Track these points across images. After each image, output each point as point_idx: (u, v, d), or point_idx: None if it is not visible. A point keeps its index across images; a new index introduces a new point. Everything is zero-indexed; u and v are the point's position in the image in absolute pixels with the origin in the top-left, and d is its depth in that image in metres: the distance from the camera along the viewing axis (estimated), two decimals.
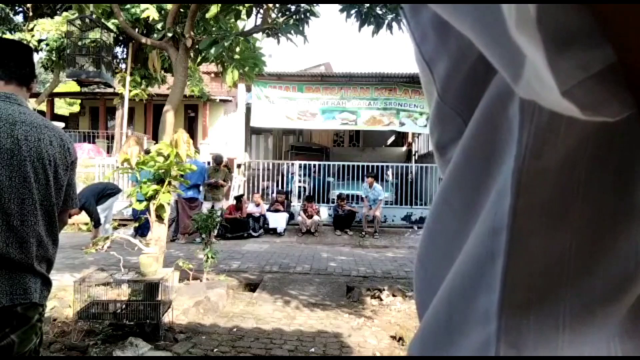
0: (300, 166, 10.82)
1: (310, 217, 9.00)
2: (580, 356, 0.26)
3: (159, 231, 4.30)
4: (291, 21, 5.36)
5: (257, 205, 9.03)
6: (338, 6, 5.13)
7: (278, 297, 4.69)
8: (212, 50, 4.74)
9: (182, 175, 4.37)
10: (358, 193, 9.67)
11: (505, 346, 0.27)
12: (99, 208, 6.84)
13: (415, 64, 0.38)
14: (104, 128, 14.38)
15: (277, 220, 8.98)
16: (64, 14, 10.56)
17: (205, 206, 7.97)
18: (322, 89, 10.81)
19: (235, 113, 12.17)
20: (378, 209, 9.01)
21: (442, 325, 0.32)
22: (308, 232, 8.95)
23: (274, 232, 8.93)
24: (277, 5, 5.40)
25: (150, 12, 7.61)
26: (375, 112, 10.77)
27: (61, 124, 10.36)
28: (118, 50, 11.32)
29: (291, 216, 9.47)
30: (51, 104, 15.14)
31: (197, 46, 4.93)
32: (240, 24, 5.43)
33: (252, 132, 13.33)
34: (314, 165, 10.80)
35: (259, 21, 5.32)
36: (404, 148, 15.68)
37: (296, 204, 9.97)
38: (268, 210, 9.14)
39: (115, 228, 6.20)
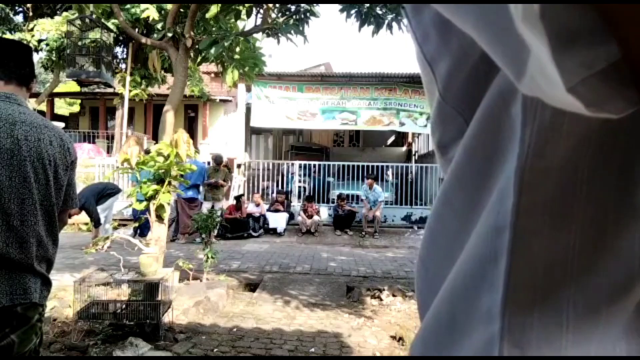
0: (300, 166, 10.82)
1: (310, 217, 9.00)
2: (584, 356, 0.26)
3: (159, 231, 4.30)
4: (291, 21, 5.36)
5: (257, 205, 9.03)
6: (338, 6, 5.13)
7: (278, 297, 4.69)
8: (212, 50, 4.74)
9: (182, 175, 4.37)
10: (358, 193, 9.66)
11: (509, 346, 0.27)
12: (99, 208, 6.84)
13: (417, 63, 0.38)
14: (104, 128, 14.38)
15: (277, 220, 8.98)
16: (64, 14, 10.57)
17: (205, 206, 7.97)
18: (322, 89, 10.81)
19: (235, 113, 12.17)
20: (378, 209, 9.01)
21: (444, 325, 0.32)
22: (308, 232, 8.95)
23: (274, 232, 8.93)
24: (277, 5, 5.40)
25: (150, 12, 7.61)
26: (375, 112, 10.78)
27: (61, 124, 10.37)
28: (118, 50, 11.32)
29: (291, 216, 9.47)
30: (51, 104, 15.15)
31: (197, 46, 4.93)
32: (240, 24, 5.43)
33: (252, 132, 13.33)
34: (314, 165, 10.80)
35: (259, 21, 5.32)
36: (404, 148, 15.68)
37: (296, 204, 9.97)
38: (268, 210, 9.14)
39: (115, 228, 6.19)
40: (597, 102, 0.19)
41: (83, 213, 6.75)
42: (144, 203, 4.23)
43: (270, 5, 5.24)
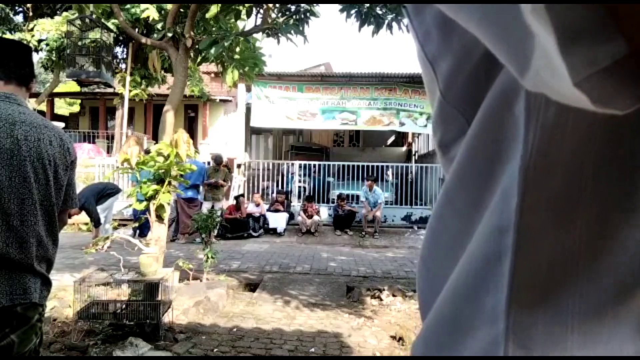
0: (300, 166, 10.82)
1: (310, 217, 9.00)
2: (589, 356, 0.26)
3: (159, 231, 4.30)
4: (291, 21, 5.36)
5: (257, 205, 9.03)
6: (338, 6, 5.13)
7: (278, 297, 4.69)
8: (212, 50, 4.74)
9: (181, 175, 4.37)
10: (358, 193, 9.66)
11: (514, 346, 0.27)
12: (99, 208, 6.84)
13: (417, 63, 0.38)
14: (104, 128, 14.38)
15: (277, 220, 8.98)
16: (64, 14, 10.56)
17: (205, 206, 7.96)
18: (322, 89, 10.81)
19: (235, 113, 12.16)
20: (378, 210, 9.01)
21: (447, 324, 0.32)
22: (308, 232, 8.95)
23: (274, 232, 8.93)
24: (277, 5, 5.40)
25: (150, 12, 7.61)
26: (375, 112, 10.77)
27: (61, 124, 10.36)
28: (118, 50, 11.32)
29: (291, 216, 9.47)
30: (51, 104, 15.15)
31: (197, 46, 4.93)
32: (240, 24, 5.43)
33: (252, 132, 13.33)
34: (314, 165, 10.79)
35: (259, 21, 5.32)
36: (404, 148, 15.69)
37: (296, 204, 9.97)
38: (268, 210, 9.14)
39: (115, 228, 6.20)
40: (603, 99, 0.19)
41: (83, 213, 6.75)
42: (144, 203, 4.23)
43: (270, 5, 5.24)
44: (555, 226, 0.26)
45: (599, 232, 0.25)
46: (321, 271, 5.87)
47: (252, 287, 5.16)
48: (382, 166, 10.58)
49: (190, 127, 14.10)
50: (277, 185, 10.73)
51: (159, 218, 4.28)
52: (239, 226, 8.41)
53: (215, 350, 3.30)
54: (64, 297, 4.01)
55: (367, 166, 10.32)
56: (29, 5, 11.78)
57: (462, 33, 0.31)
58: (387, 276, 5.61)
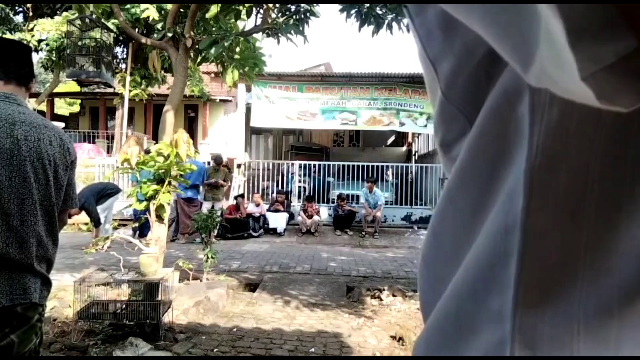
0: (300, 166, 10.82)
1: (310, 217, 9.00)
2: (592, 356, 0.26)
3: (159, 231, 4.30)
4: (291, 21, 5.36)
5: (257, 205, 9.03)
6: (338, 6, 5.13)
7: (278, 297, 4.69)
8: (212, 50, 4.74)
9: (181, 175, 4.37)
10: (358, 193, 9.66)
11: (520, 346, 0.27)
12: (99, 208, 6.84)
13: (418, 62, 0.38)
14: (104, 128, 14.38)
15: (277, 220, 8.98)
16: (64, 14, 10.57)
17: (205, 206, 7.96)
18: (322, 89, 10.81)
19: (235, 113, 12.17)
20: (379, 211, 9.02)
21: (450, 324, 0.32)
22: (308, 232, 8.95)
23: (274, 232, 8.93)
24: (277, 5, 5.40)
25: (150, 12, 7.61)
26: (375, 112, 10.77)
27: (61, 124, 10.36)
28: (118, 50, 11.32)
29: (291, 216, 9.47)
30: (51, 104, 15.15)
31: (197, 46, 4.93)
32: (240, 24, 5.43)
33: (252, 132, 13.33)
34: (314, 165, 10.79)
35: (259, 21, 5.32)
36: (404, 148, 15.69)
37: (296, 204, 9.97)
38: (268, 210, 9.14)
39: (115, 228, 6.20)
40: (608, 95, 0.19)
41: (83, 213, 6.76)
42: (144, 203, 4.23)
43: (270, 5, 5.24)
44: (561, 226, 0.26)
45: (605, 233, 0.25)
46: (321, 271, 5.87)
47: (252, 287, 5.16)
48: (382, 166, 10.59)
49: (190, 127, 14.10)
50: (277, 185, 10.73)
51: (159, 218, 4.28)
52: (239, 226, 8.42)
53: (215, 350, 3.30)
54: (64, 297, 4.01)
55: (367, 166, 10.32)
56: (29, 5, 11.78)
57: (464, 33, 0.30)
58: (387, 276, 5.61)
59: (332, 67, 15.87)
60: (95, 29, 9.05)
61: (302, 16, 5.40)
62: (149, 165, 4.09)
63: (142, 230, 6.62)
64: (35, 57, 11.56)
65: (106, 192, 7.01)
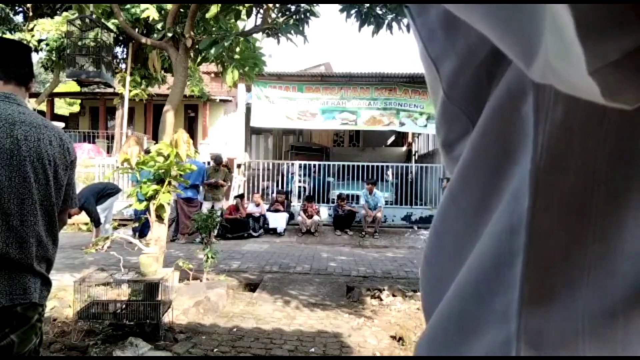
0: (300, 166, 10.82)
1: (310, 217, 9.00)
2: (597, 356, 0.26)
3: (159, 231, 4.30)
4: (291, 21, 5.36)
5: (257, 205, 9.03)
6: (338, 6, 5.13)
7: (278, 297, 4.69)
8: (212, 50, 4.74)
9: (181, 175, 4.37)
10: (358, 193, 9.67)
11: (525, 347, 0.27)
12: (99, 208, 6.84)
13: (419, 62, 0.38)
14: (104, 128, 14.38)
15: (277, 220, 8.98)
16: (64, 14, 10.56)
17: (205, 206, 7.96)
18: (322, 89, 10.81)
19: (235, 113, 12.17)
20: (379, 211, 9.02)
21: (453, 324, 0.32)
22: (308, 232, 8.95)
23: (274, 232, 8.93)
24: (277, 5, 5.40)
25: (150, 12, 7.61)
26: (375, 112, 10.77)
27: (61, 124, 10.36)
28: (118, 50, 11.32)
29: (291, 216, 9.47)
30: (51, 104, 15.15)
31: (197, 46, 4.93)
32: (240, 24, 5.43)
33: (252, 132, 13.33)
34: (314, 165, 10.80)
35: (259, 21, 5.32)
36: (404, 148, 15.69)
37: (296, 204, 9.97)
38: (268, 210, 9.14)
39: (115, 228, 6.19)
40: (613, 91, 0.19)
41: (83, 213, 6.76)
42: (144, 203, 4.23)
43: (270, 5, 5.23)
44: (567, 226, 0.26)
45: (611, 233, 0.25)
46: (321, 271, 5.87)
47: (252, 287, 5.16)
48: (382, 166, 10.59)
49: (190, 127, 14.10)
50: (277, 185, 10.74)
51: (159, 218, 4.28)
52: (239, 226, 8.41)
53: (215, 350, 3.29)
54: (64, 297, 4.01)
55: (367, 166, 10.32)
56: (29, 5, 11.78)
57: (467, 32, 0.30)
58: (387, 276, 5.61)
59: (332, 67, 15.88)
60: (95, 29, 9.05)
61: (302, 16, 5.40)
62: (149, 165, 4.09)
63: (142, 230, 6.62)
64: (35, 57, 11.57)
65: (106, 192, 7.01)
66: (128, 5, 9.08)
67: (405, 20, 5.01)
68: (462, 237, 0.33)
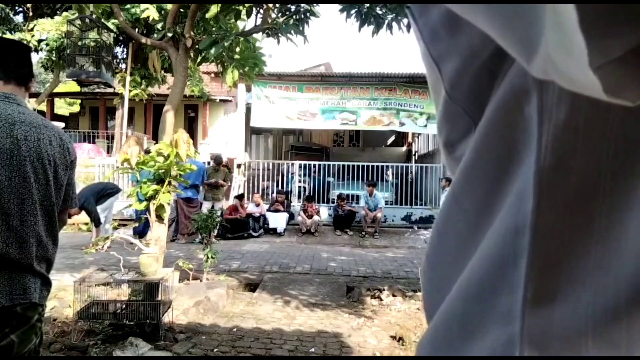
0: (300, 166, 10.82)
1: (310, 217, 9.00)
2: (601, 356, 0.26)
3: (159, 231, 4.30)
4: (291, 21, 5.36)
5: (257, 205, 9.03)
6: (338, 6, 5.13)
7: (278, 297, 4.69)
8: (212, 50, 4.74)
9: (181, 175, 4.37)
10: (358, 193, 9.67)
11: (529, 347, 0.27)
12: (99, 208, 6.84)
13: (420, 62, 0.38)
14: (104, 128, 14.38)
15: (277, 220, 8.98)
16: (64, 14, 10.57)
17: (205, 206, 7.96)
18: (322, 89, 10.81)
19: (235, 113, 12.17)
20: (379, 212, 9.03)
21: (456, 325, 0.32)
22: (308, 232, 8.95)
23: (274, 232, 8.93)
24: (277, 5, 5.40)
25: (150, 12, 7.61)
26: (375, 112, 10.78)
27: (61, 124, 10.36)
28: (118, 50, 11.32)
29: (291, 216, 9.47)
30: (51, 104, 15.15)
31: (197, 46, 4.93)
32: (240, 24, 5.43)
33: (252, 132, 13.33)
34: (314, 165, 10.80)
35: (259, 21, 5.32)
36: (404, 148, 15.70)
37: (296, 204, 9.97)
38: (268, 210, 9.14)
39: (115, 228, 6.20)
40: (616, 88, 0.19)
41: (83, 213, 6.76)
42: (144, 203, 4.23)
43: (270, 5, 5.23)
44: (572, 227, 0.26)
45: (616, 233, 0.25)
46: (321, 271, 5.87)
47: (252, 287, 5.15)
48: (382, 166, 10.59)
49: (190, 127, 14.10)
50: (277, 185, 10.74)
51: (159, 218, 4.28)
52: (239, 226, 8.41)
53: (215, 350, 3.29)
54: (64, 297, 4.01)
55: (367, 166, 10.32)
56: (29, 5, 11.79)
57: (469, 32, 0.30)
58: (387, 276, 5.61)
59: (332, 67, 15.88)
60: (95, 29, 9.05)
61: (302, 16, 5.40)
62: (149, 165, 4.09)
63: (143, 229, 6.62)
64: (35, 57, 11.58)
65: (106, 192, 7.01)
66: (128, 5, 9.08)
67: (405, 20, 5.01)
68: (465, 238, 0.33)
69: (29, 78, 1.53)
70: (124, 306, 3.46)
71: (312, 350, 3.39)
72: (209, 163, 9.06)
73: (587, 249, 0.26)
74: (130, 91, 11.16)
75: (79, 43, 9.04)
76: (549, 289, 0.26)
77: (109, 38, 9.34)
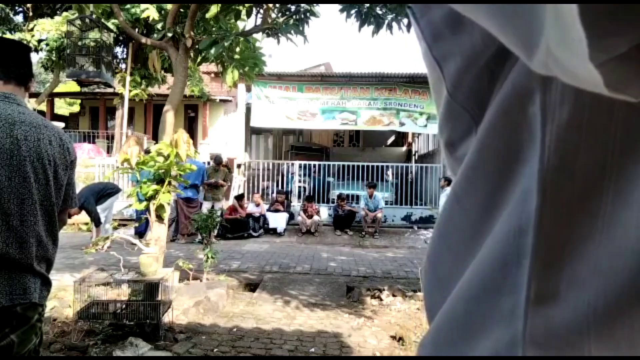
0: (300, 166, 10.82)
1: (310, 217, 9.00)
2: (602, 356, 0.26)
3: (159, 231, 4.30)
4: (291, 21, 5.36)
5: (257, 205, 9.03)
6: (338, 6, 5.13)
7: (278, 297, 4.69)
8: (212, 50, 4.74)
9: (181, 175, 4.37)
10: (358, 193, 9.67)
11: (532, 347, 0.27)
12: (99, 208, 6.84)
13: (419, 63, 0.38)
14: (104, 128, 14.38)
15: (277, 220, 8.98)
16: (64, 14, 10.57)
17: (205, 206, 7.96)
18: (322, 89, 10.81)
19: (235, 113, 12.17)
20: (379, 212, 9.03)
21: (459, 325, 0.32)
22: (308, 232, 8.95)
23: (274, 232, 8.93)
24: (277, 5, 5.40)
25: (150, 12, 7.61)
26: (375, 112, 10.78)
27: (61, 124, 10.36)
28: (118, 50, 11.32)
29: (291, 216, 9.47)
30: (51, 104, 15.15)
31: (197, 46, 4.92)
32: (240, 24, 5.43)
33: (252, 132, 13.33)
34: (314, 165, 10.80)
35: (259, 21, 5.32)
36: (404, 148, 15.70)
37: (296, 204, 9.97)
38: (268, 210, 9.14)
39: (115, 228, 6.19)
40: (617, 83, 0.19)
41: (83, 213, 6.76)
42: (144, 203, 4.23)
43: (270, 5, 5.23)
44: (575, 226, 0.26)
45: (619, 232, 0.25)
46: (321, 271, 5.87)
47: (252, 287, 5.15)
48: (382, 166, 10.59)
49: (190, 127, 14.10)
50: (277, 185, 10.74)
51: (159, 218, 4.28)
52: (239, 226, 8.41)
53: (215, 350, 3.29)
54: (64, 297, 4.01)
55: (367, 166, 10.32)
56: (29, 5, 11.78)
57: (472, 32, 0.30)
58: (387, 276, 5.61)
59: (332, 67, 15.88)
60: (95, 29, 9.05)
61: (302, 16, 5.40)
62: (149, 165, 4.09)
63: (142, 229, 6.62)
64: (35, 57, 11.57)
65: (106, 192, 7.01)
66: (128, 5, 9.08)
67: (405, 20, 5.01)
68: (466, 238, 0.33)
69: (29, 78, 1.53)
70: (124, 306, 3.46)
71: (312, 350, 3.39)
72: (209, 163, 9.06)
73: (591, 248, 0.25)
74: (130, 91, 11.16)
75: (79, 43, 9.04)
76: (551, 288, 0.26)
77: (109, 38, 9.34)
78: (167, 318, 3.61)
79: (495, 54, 0.30)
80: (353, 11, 5.09)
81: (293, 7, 5.43)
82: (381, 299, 4.73)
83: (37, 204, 1.41)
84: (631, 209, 0.25)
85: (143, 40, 5.34)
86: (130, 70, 11.01)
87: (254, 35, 5.41)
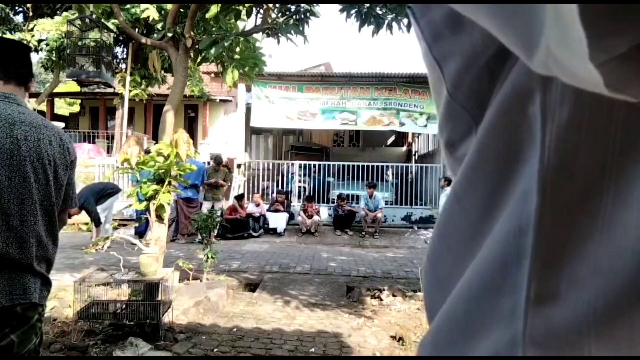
0: (300, 166, 10.82)
1: (310, 217, 9.00)
2: (603, 356, 0.26)
3: (159, 231, 4.30)
4: (291, 21, 5.36)
5: (257, 205, 9.03)
6: (338, 6, 5.13)
7: (278, 297, 4.69)
8: (212, 50, 4.74)
9: (181, 175, 4.37)
10: (358, 193, 9.67)
11: (533, 347, 0.27)
12: (99, 208, 6.84)
13: (420, 63, 0.38)
14: (104, 128, 14.38)
15: (277, 220, 8.98)
16: (64, 14, 10.57)
17: (205, 206, 7.96)
18: (322, 89, 10.81)
19: (235, 113, 12.17)
20: (379, 212, 9.03)
21: (459, 325, 0.32)
22: (308, 232, 8.95)
23: (274, 232, 8.93)
24: (277, 5, 5.40)
25: (150, 12, 7.61)
26: (375, 112, 10.78)
27: (61, 124, 10.36)
28: (118, 50, 11.32)
29: (291, 216, 9.47)
30: (51, 104, 15.15)
31: (197, 46, 4.92)
32: (240, 24, 5.43)
33: (252, 132, 13.33)
34: (314, 165, 10.80)
35: (259, 21, 5.32)
36: (404, 148, 15.70)
37: (296, 204, 9.97)
38: (268, 210, 9.14)
39: (115, 228, 6.19)
40: (617, 83, 0.19)
41: (83, 213, 6.76)
42: (144, 203, 4.23)
43: (270, 5, 5.23)
44: (575, 226, 0.26)
45: (618, 232, 0.25)
46: (321, 271, 5.87)
47: (252, 287, 5.15)
48: (382, 166, 10.59)
49: (190, 127, 14.10)
50: (277, 185, 10.74)
51: (159, 218, 4.28)
52: (239, 226, 8.41)
53: (215, 350, 3.29)
54: (64, 297, 4.01)
55: (367, 166, 10.32)
56: (29, 5, 11.78)
57: (471, 33, 0.30)
58: (387, 276, 5.61)
59: (332, 67, 15.88)
60: (95, 29, 9.05)
61: (302, 16, 5.40)
62: (149, 165, 4.09)
63: (145, 229, 6.62)
64: (35, 57, 11.57)
65: (106, 192, 7.01)
66: (128, 5, 9.08)
67: (405, 20, 5.01)
68: (466, 238, 0.33)
69: (29, 78, 1.53)
70: (124, 306, 3.46)
71: (312, 350, 3.39)
72: (209, 163, 9.06)
73: (591, 248, 0.25)
74: (130, 91, 11.16)
75: (79, 43, 9.04)
76: (551, 288, 0.26)
77: (109, 38, 9.33)
78: (167, 318, 3.61)
79: (495, 54, 0.30)
80: (353, 11, 5.09)
81: (293, 7, 5.43)
82: (381, 299, 4.73)
83: (37, 204, 1.41)
84: (631, 209, 0.24)
85: (143, 40, 5.34)
86: (130, 70, 11.01)
87: (254, 35, 5.41)
